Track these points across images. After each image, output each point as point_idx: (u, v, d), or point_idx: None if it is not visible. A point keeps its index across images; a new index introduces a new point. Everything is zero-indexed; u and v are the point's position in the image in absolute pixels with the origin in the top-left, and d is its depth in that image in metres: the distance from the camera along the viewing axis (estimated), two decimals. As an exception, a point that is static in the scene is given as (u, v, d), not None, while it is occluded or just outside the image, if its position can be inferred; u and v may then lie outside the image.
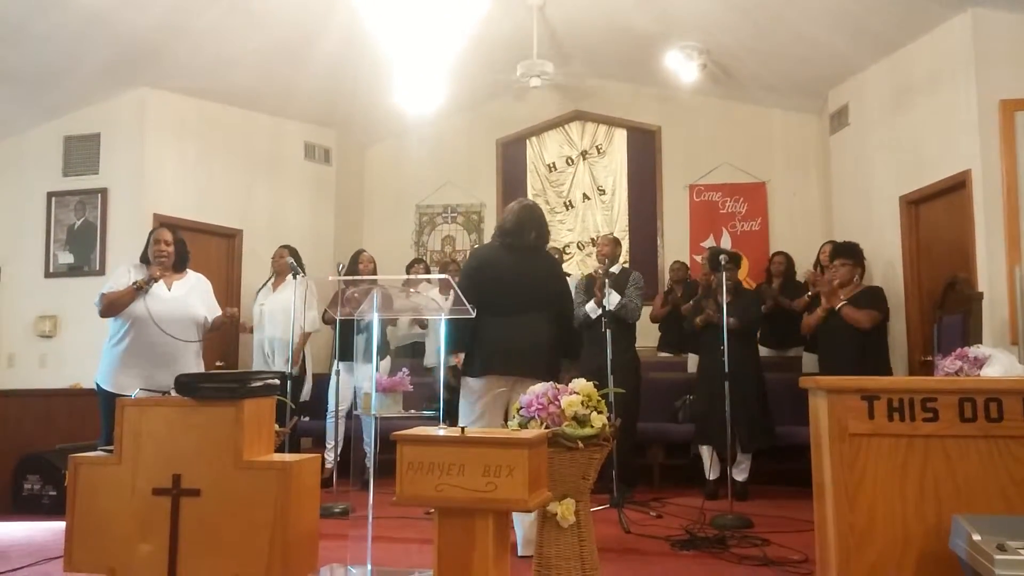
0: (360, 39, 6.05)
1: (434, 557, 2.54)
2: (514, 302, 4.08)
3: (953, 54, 5.47)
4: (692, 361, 6.69)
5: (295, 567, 2.81)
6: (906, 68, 6.04)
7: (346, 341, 5.90)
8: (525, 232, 4.20)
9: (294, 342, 5.82)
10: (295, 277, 5.63)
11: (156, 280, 4.45)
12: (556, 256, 4.71)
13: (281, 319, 6.19)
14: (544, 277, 4.23)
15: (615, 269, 5.72)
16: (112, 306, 4.40)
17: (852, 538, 2.48)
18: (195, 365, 4.54)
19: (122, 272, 4.53)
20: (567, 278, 4.68)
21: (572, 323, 4.46)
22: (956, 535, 2.24)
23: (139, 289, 4.38)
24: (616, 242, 5.99)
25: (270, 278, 6.58)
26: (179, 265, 4.63)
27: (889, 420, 2.49)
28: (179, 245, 4.62)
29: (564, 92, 8.06)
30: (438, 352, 6.50)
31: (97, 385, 4.47)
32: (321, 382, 6.59)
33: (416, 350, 7.27)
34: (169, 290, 4.51)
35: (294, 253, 6.38)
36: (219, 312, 4.67)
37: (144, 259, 4.62)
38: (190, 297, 4.58)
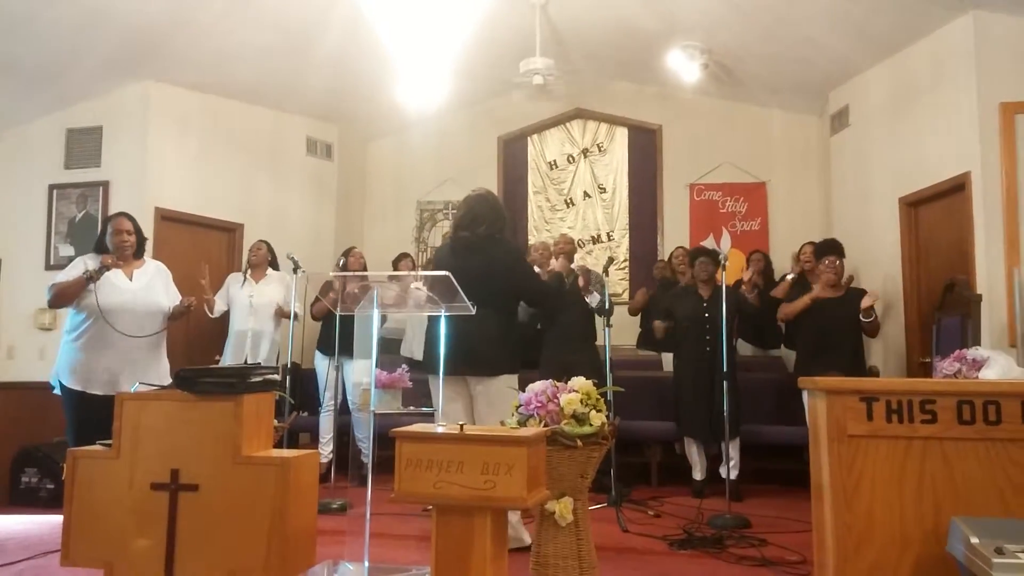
0: (363, 34, 6.05)
1: (432, 554, 2.55)
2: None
3: (954, 56, 5.47)
4: (667, 359, 6.57)
5: (292, 563, 2.81)
6: (907, 70, 6.04)
7: (342, 335, 5.86)
8: (476, 225, 4.16)
9: (293, 334, 5.82)
10: (295, 272, 5.63)
11: (108, 268, 4.27)
12: (515, 248, 4.57)
13: (268, 312, 6.20)
14: (495, 271, 4.08)
15: (573, 267, 5.87)
16: (60, 296, 4.25)
17: (850, 539, 2.48)
18: (157, 356, 4.47)
19: (78, 263, 4.40)
20: (525, 268, 4.51)
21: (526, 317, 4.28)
22: (954, 538, 2.24)
23: (90, 279, 4.21)
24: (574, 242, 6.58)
25: (246, 270, 6.43)
26: (137, 253, 4.53)
27: (888, 422, 2.50)
28: (137, 234, 4.53)
29: (566, 90, 8.03)
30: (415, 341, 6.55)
31: (59, 384, 4.31)
32: (306, 377, 6.70)
33: (391, 346, 7.15)
34: (131, 280, 4.42)
35: (271, 249, 6.42)
36: (179, 299, 4.57)
37: (99, 250, 4.48)
38: (151, 286, 4.49)
